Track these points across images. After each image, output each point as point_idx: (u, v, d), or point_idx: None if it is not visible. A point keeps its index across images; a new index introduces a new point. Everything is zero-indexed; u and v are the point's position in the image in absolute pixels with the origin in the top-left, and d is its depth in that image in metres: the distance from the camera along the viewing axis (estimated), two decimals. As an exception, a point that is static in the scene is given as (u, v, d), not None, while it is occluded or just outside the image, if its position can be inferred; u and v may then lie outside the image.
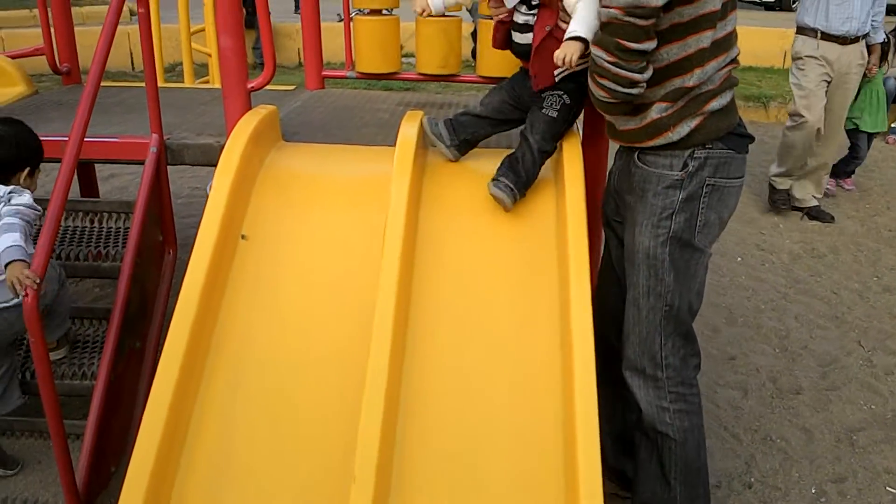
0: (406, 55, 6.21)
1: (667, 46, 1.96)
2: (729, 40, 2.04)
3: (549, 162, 2.36)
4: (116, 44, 6.00)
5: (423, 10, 2.28)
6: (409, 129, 2.35)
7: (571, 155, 2.27)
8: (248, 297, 2.12)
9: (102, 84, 2.47)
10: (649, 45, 1.91)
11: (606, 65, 1.94)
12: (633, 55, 1.91)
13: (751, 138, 2.15)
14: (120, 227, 2.66)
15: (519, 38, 2.20)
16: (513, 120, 2.34)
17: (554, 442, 1.86)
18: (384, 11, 3.53)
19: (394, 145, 2.31)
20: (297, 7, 9.90)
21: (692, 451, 2.23)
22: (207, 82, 5.75)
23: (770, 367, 3.55)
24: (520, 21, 2.17)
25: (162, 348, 1.88)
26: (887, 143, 7.59)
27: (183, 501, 1.78)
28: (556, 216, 2.25)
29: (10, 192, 2.28)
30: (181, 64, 5.88)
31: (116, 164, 3.24)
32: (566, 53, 2.02)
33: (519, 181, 2.19)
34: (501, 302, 2.11)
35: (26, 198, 2.29)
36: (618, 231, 2.35)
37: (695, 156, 2.05)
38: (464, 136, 2.35)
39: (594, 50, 1.98)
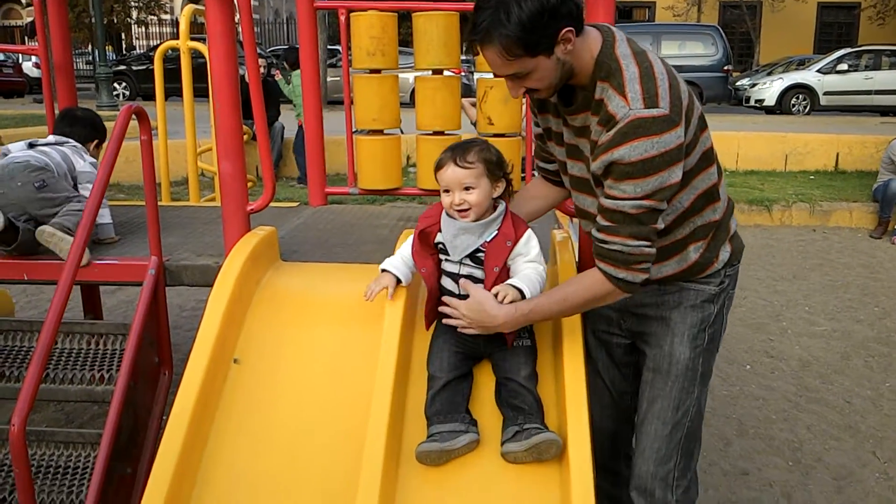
0: (413, 165, 6.30)
1: (678, 195, 1.96)
2: (718, 161, 2.09)
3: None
4: (131, 159, 6.10)
5: (386, 290, 2.14)
6: (404, 248, 2.36)
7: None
8: (237, 422, 2.09)
9: (113, 203, 2.53)
10: (665, 217, 1.93)
11: (647, 251, 1.88)
12: (658, 233, 1.90)
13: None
14: (117, 350, 2.66)
15: (459, 289, 2.04)
16: (471, 371, 2.12)
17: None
18: (385, 131, 3.63)
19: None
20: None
21: None
22: (214, 199, 5.84)
23: (784, 481, 3.43)
24: (464, 273, 2.04)
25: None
26: (893, 243, 7.60)
27: None
28: (552, 354, 2.21)
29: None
30: (189, 178, 6.01)
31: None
32: (507, 294, 1.94)
33: (538, 417, 1.98)
34: (496, 431, 2.05)
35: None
36: (610, 346, 2.33)
37: (727, 273, 2.15)
38: (462, 414, 2.01)
39: (631, 243, 1.85)
